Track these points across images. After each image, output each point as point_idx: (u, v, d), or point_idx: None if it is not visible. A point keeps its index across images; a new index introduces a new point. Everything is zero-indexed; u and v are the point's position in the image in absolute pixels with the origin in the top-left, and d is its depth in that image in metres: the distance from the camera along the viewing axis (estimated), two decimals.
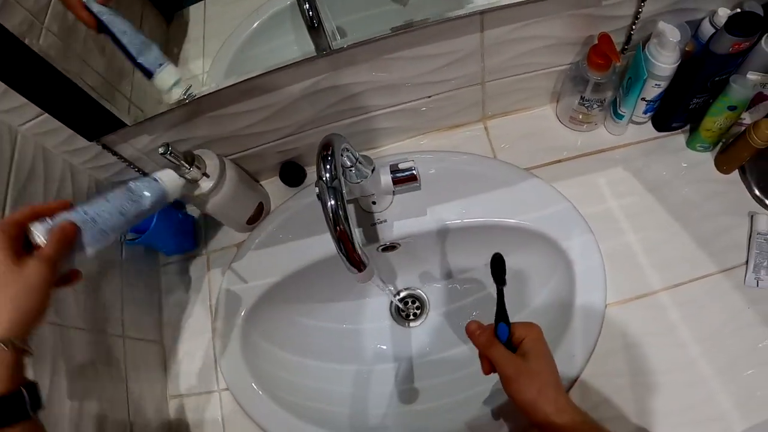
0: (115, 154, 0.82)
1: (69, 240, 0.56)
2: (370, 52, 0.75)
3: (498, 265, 0.66)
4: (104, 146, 0.80)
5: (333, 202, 0.64)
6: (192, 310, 0.91)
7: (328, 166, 0.65)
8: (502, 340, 0.62)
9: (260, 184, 0.96)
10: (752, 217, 0.79)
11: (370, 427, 0.84)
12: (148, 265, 0.94)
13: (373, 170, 0.78)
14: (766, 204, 0.78)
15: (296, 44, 0.73)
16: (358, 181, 0.78)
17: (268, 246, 0.89)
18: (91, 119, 0.73)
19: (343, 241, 0.64)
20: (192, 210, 0.99)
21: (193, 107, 0.77)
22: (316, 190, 0.80)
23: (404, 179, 0.80)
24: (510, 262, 0.86)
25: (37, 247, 0.54)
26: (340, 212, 0.64)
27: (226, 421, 0.84)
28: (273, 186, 0.95)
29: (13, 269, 0.50)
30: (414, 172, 0.80)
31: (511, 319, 0.63)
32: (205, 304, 0.91)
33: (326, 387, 0.88)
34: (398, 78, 0.80)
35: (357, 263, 0.66)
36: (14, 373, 0.48)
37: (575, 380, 0.74)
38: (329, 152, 0.66)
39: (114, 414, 0.75)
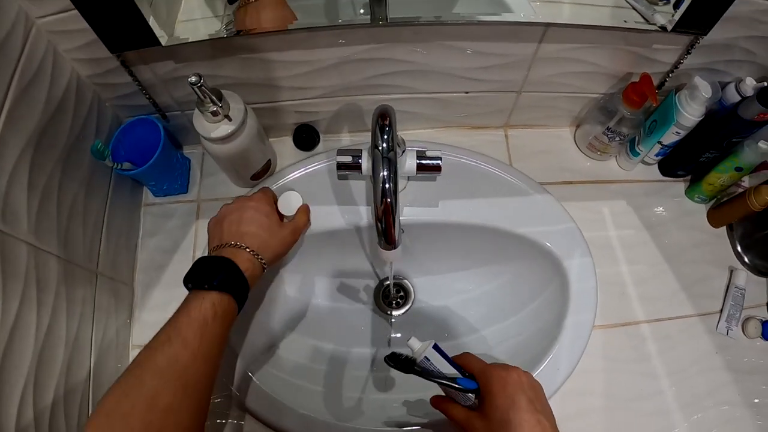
0: (131, 74, 0.75)
1: (308, 213, 0.80)
2: (428, 34, 0.74)
3: (397, 363, 0.62)
4: (123, 63, 0.73)
5: (386, 173, 0.62)
6: (172, 258, 0.85)
7: (385, 136, 0.64)
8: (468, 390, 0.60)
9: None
10: (732, 271, 0.86)
11: (345, 408, 0.82)
12: (130, 202, 0.87)
13: (403, 151, 0.77)
14: (745, 261, 0.86)
15: (351, 6, 0.70)
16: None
17: None
18: (124, 28, 0.65)
19: (387, 214, 0.63)
20: (189, 152, 0.93)
21: (230, 44, 0.73)
22: (341, 158, 0.78)
23: (429, 167, 0.79)
24: (507, 271, 0.89)
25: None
26: (391, 184, 0.62)
27: None
28: (281, 146, 0.91)
29: (281, 225, 0.74)
30: (440, 162, 0.79)
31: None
32: (188, 254, 0.85)
33: (302, 362, 0.85)
34: (443, 67, 0.80)
35: (393, 240, 0.65)
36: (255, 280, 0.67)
37: (555, 391, 0.77)
38: (387, 122, 0.65)
39: (77, 354, 0.69)
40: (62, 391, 0.65)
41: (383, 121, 0.65)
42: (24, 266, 0.60)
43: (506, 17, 0.71)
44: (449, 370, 0.62)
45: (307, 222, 0.79)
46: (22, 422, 0.57)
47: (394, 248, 0.66)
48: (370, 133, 0.90)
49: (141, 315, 0.82)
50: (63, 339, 0.66)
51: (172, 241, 0.86)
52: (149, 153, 0.80)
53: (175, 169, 0.86)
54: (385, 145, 0.63)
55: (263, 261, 0.67)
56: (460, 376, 0.61)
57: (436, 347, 0.62)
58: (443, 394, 0.66)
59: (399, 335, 0.92)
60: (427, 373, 0.61)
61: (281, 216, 0.76)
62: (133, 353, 0.80)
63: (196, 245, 0.85)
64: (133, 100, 0.80)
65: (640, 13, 0.72)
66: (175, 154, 0.86)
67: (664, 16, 0.70)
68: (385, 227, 0.64)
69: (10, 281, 0.57)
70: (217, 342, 0.59)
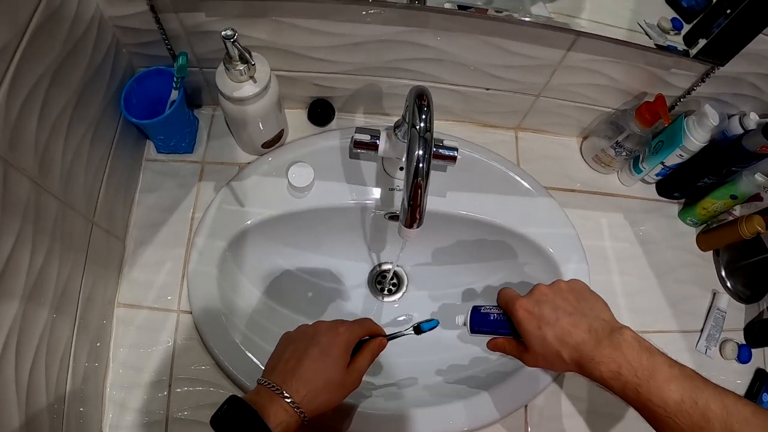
0: (157, 21, 0.72)
1: (378, 353, 0.68)
2: (462, 24, 0.74)
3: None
4: (152, 7, 0.70)
5: (421, 152, 0.61)
6: (169, 217, 0.82)
7: (423, 116, 0.63)
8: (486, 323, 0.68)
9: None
10: (715, 294, 0.90)
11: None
12: (132, 154, 0.84)
13: None
14: (727, 286, 0.90)
15: None
16: (404, 141, 0.76)
17: (276, 176, 0.83)
18: None
19: (416, 195, 0.62)
20: (198, 113, 0.90)
21: (264, 5, 0.71)
22: (359, 137, 0.78)
23: (444, 157, 0.80)
24: (505, 267, 0.90)
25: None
26: (424, 165, 0.62)
27: (179, 347, 0.76)
28: (294, 118, 0.89)
29: (344, 374, 0.62)
30: (457, 153, 0.79)
31: None
32: (186, 215, 0.82)
33: None
34: (468, 59, 0.80)
35: (417, 221, 0.65)
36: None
37: (542, 390, 0.79)
38: (425, 102, 0.64)
39: (64, 304, 0.65)
40: (46, 342, 0.61)
41: (421, 101, 0.64)
42: (24, 202, 0.57)
43: (542, 20, 0.72)
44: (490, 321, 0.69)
45: (370, 363, 0.67)
46: (2, 373, 0.53)
47: (417, 228, 0.66)
48: (385, 117, 0.92)
49: (130, 272, 0.79)
50: (53, 286, 0.63)
51: (171, 200, 0.83)
52: (161, 105, 0.78)
53: (186, 127, 0.83)
54: (423, 124, 0.63)
55: (304, 415, 0.57)
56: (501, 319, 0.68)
57: (474, 312, 0.70)
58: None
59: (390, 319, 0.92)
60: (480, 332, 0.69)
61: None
62: (119, 312, 0.77)
63: (195, 207, 0.83)
64: (152, 49, 0.77)
65: (651, 39, 0.74)
66: (188, 111, 0.84)
67: (675, 45, 0.73)
68: (413, 207, 0.63)
69: (8, 216, 0.54)
70: None
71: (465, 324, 0.70)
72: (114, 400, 0.74)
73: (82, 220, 0.69)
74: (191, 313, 0.77)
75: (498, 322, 0.67)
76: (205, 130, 0.89)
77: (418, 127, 0.62)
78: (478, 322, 0.69)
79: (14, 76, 0.54)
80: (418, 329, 0.70)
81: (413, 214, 0.64)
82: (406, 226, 0.66)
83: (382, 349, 0.68)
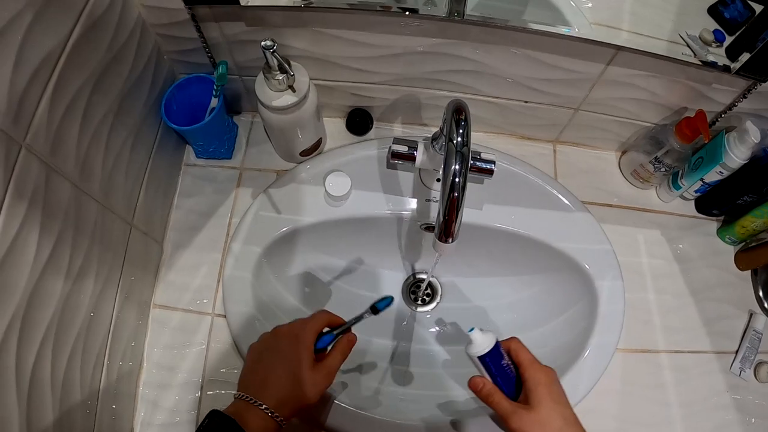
0: (198, 30, 0.73)
1: (349, 351, 0.68)
2: (501, 37, 0.73)
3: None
4: (193, 17, 0.71)
5: (458, 167, 0.62)
6: (206, 222, 0.84)
7: (461, 131, 0.63)
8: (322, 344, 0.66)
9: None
10: (752, 314, 0.88)
11: (363, 397, 0.81)
12: (172, 159, 0.86)
13: None
14: (765, 307, 0.88)
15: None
16: (441, 153, 0.76)
17: (313, 184, 0.84)
18: None
19: (452, 209, 0.62)
20: (237, 119, 0.92)
21: (303, 16, 0.72)
22: (397, 148, 0.78)
23: (481, 170, 0.80)
24: (539, 282, 0.90)
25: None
26: (460, 179, 0.62)
27: (212, 349, 0.78)
28: (332, 126, 0.90)
29: (310, 372, 0.63)
30: (494, 166, 0.79)
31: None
32: (224, 221, 0.84)
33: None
34: (507, 72, 0.80)
35: (452, 234, 0.65)
36: None
37: (573, 407, 0.78)
38: (463, 117, 0.64)
39: (102, 304, 0.67)
40: (82, 342, 0.63)
41: (459, 116, 0.64)
42: (65, 205, 0.59)
43: (579, 34, 0.71)
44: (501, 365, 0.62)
45: (342, 360, 0.67)
46: (38, 370, 0.55)
47: (452, 242, 0.66)
48: (423, 127, 0.92)
49: (167, 275, 0.81)
50: (91, 286, 0.65)
51: (209, 205, 0.85)
52: (201, 112, 0.79)
53: (225, 133, 0.85)
54: (459, 139, 0.63)
55: (280, 419, 0.59)
56: (508, 371, 0.62)
57: (496, 346, 0.62)
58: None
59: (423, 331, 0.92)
60: (484, 363, 0.63)
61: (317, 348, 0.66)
62: (154, 312, 0.79)
63: (233, 212, 0.84)
64: (193, 57, 0.79)
65: (693, 51, 0.72)
66: (227, 118, 0.85)
67: (717, 57, 0.71)
68: (448, 221, 0.64)
69: (49, 218, 0.55)
70: None
71: (477, 342, 0.63)
72: (146, 398, 0.76)
73: (121, 223, 0.71)
74: (225, 317, 0.79)
75: (506, 371, 0.63)
76: (244, 136, 0.90)
77: (455, 142, 0.63)
78: (494, 356, 0.62)
79: (57, 83, 0.56)
80: (375, 309, 0.68)
81: (448, 228, 0.64)
82: (440, 241, 0.66)
83: (352, 345, 0.68)
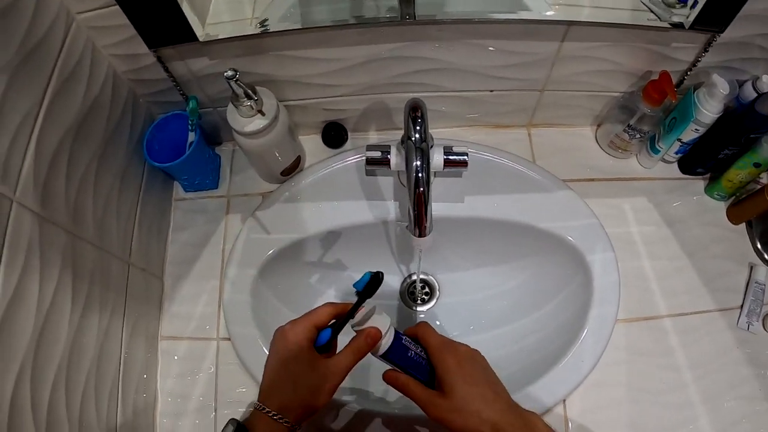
0: (166, 70, 0.77)
1: (367, 348, 0.61)
2: (455, 32, 0.76)
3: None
4: (159, 59, 0.75)
5: (419, 162, 0.64)
6: (201, 252, 0.87)
7: (418, 128, 0.66)
8: (321, 341, 0.61)
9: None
10: (752, 267, 0.87)
11: (371, 400, 0.83)
12: (162, 196, 0.90)
13: (431, 146, 0.79)
14: (765, 257, 0.87)
15: (376, 6, 0.72)
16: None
17: (298, 201, 0.87)
18: (163, 24, 0.68)
19: (419, 203, 0.65)
20: (219, 149, 0.96)
21: (262, 42, 0.75)
22: (371, 154, 0.80)
23: (456, 163, 0.81)
24: (531, 264, 0.91)
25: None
26: (423, 174, 0.64)
27: (221, 372, 0.80)
28: (310, 143, 0.93)
29: (311, 373, 0.59)
30: (467, 158, 0.81)
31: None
32: (217, 248, 0.87)
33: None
34: (468, 65, 0.82)
35: (425, 228, 0.67)
36: None
37: (580, 383, 0.78)
38: (419, 114, 0.67)
39: (108, 344, 0.70)
40: (94, 379, 0.66)
41: (415, 113, 0.67)
42: (61, 252, 0.62)
43: (528, 16, 0.73)
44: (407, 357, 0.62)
45: (356, 359, 0.60)
46: (54, 412, 0.58)
47: (425, 236, 0.68)
48: (397, 131, 0.93)
49: (171, 307, 0.84)
50: (95, 327, 0.68)
51: (202, 235, 0.89)
52: (182, 148, 0.83)
53: (208, 164, 0.88)
54: (417, 136, 0.65)
55: (287, 422, 0.57)
56: (418, 360, 0.62)
57: (395, 339, 0.61)
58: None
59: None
60: (389, 361, 0.62)
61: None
62: (162, 344, 0.82)
63: (225, 239, 0.88)
64: (167, 96, 0.83)
65: (657, 15, 0.73)
66: (207, 150, 0.89)
67: (681, 18, 0.72)
68: (418, 215, 0.66)
69: (47, 265, 0.59)
70: None
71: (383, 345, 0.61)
72: (165, 428, 0.78)
73: (118, 262, 0.75)
74: (229, 339, 0.81)
75: (415, 362, 0.62)
76: (227, 165, 0.94)
77: (413, 139, 0.65)
78: (395, 351, 0.61)
79: (39, 138, 0.60)
80: (359, 292, 0.63)
81: (420, 223, 0.66)
82: (416, 236, 0.68)
83: (374, 341, 0.60)
